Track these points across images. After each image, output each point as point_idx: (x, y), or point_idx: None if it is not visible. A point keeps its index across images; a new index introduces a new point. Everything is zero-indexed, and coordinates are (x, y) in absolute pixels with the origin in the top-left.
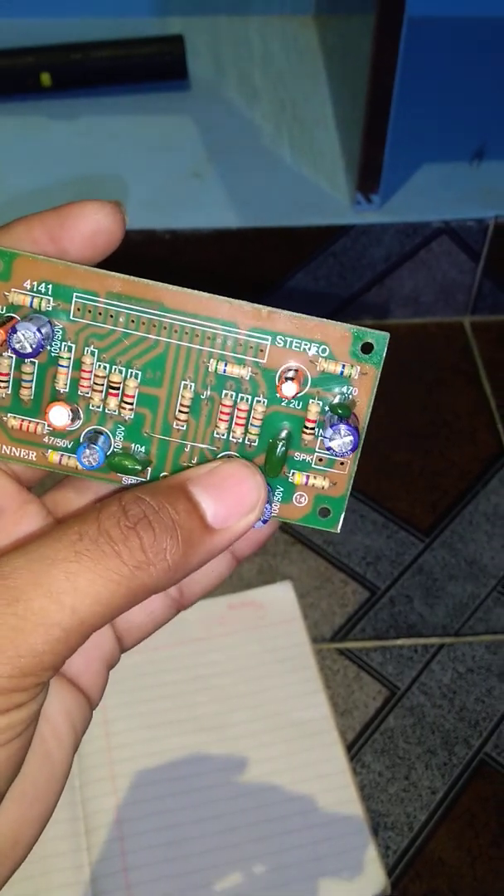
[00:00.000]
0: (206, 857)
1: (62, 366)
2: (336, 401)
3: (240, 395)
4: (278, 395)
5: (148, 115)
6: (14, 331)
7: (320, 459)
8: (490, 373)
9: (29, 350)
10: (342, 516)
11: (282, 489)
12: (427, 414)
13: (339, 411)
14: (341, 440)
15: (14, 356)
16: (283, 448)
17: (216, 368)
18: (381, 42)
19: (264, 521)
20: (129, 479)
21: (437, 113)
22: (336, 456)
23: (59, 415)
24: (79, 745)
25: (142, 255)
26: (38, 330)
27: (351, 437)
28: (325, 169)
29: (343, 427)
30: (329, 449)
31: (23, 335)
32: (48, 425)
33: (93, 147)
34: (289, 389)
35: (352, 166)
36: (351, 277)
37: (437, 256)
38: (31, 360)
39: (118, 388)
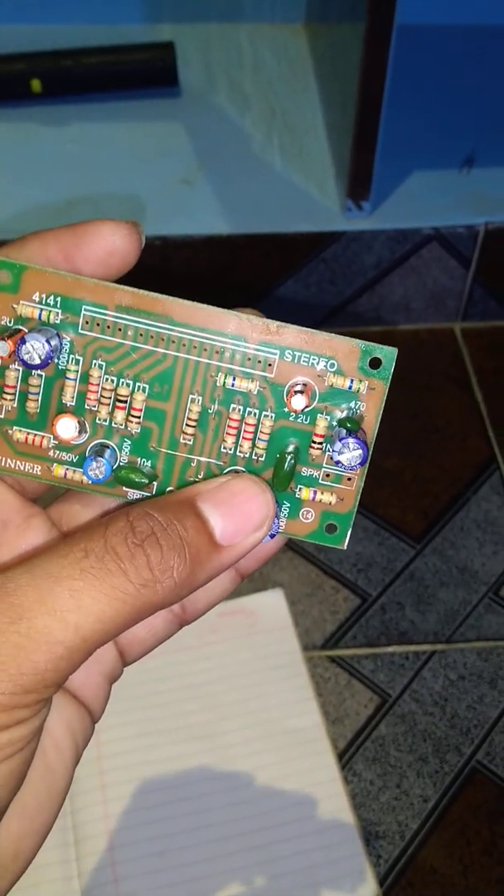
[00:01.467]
0: (198, 867)
1: (69, 378)
2: (344, 415)
3: (247, 409)
4: (287, 408)
5: (138, 122)
6: (23, 341)
7: (327, 475)
8: (481, 379)
9: (38, 361)
10: (349, 533)
11: (288, 505)
12: (418, 420)
13: (348, 425)
14: (350, 454)
15: (21, 369)
16: (292, 462)
17: (224, 382)
18: (371, 49)
19: (271, 537)
20: (134, 494)
21: (427, 120)
22: (345, 470)
23: (66, 427)
24: (79, 760)
25: None
26: (48, 341)
27: (360, 451)
28: (315, 176)
29: (352, 441)
30: (338, 463)
31: (32, 346)
32: (54, 438)
33: (83, 154)
34: (298, 402)
35: (342, 173)
36: (341, 284)
37: (428, 263)
38: (39, 372)
39: (125, 402)
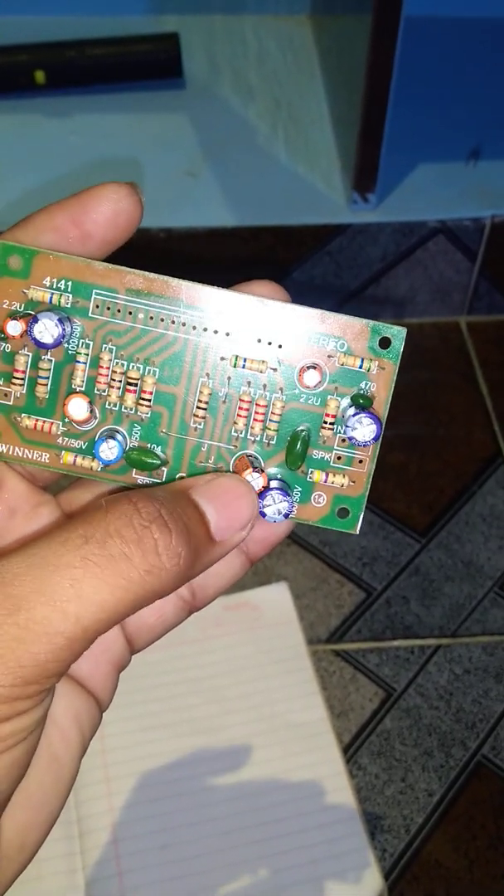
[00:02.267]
0: (202, 860)
1: (80, 362)
2: (358, 391)
3: (258, 391)
4: (300, 385)
5: (142, 114)
6: (36, 320)
7: (339, 458)
8: (486, 373)
9: (50, 340)
10: (361, 517)
11: (300, 489)
12: (423, 414)
13: (361, 401)
14: (364, 429)
15: (31, 354)
16: (306, 438)
17: (235, 364)
18: (378, 41)
19: (285, 517)
20: (144, 479)
21: (434, 112)
22: (358, 445)
23: (78, 407)
24: (86, 750)
25: (136, 253)
26: (60, 321)
27: (374, 426)
28: (320, 168)
29: (365, 416)
30: (351, 439)
31: (45, 324)
32: (67, 417)
33: (87, 145)
34: (311, 378)
35: (348, 165)
36: (347, 277)
37: (434, 256)
38: (48, 357)
39: (136, 385)
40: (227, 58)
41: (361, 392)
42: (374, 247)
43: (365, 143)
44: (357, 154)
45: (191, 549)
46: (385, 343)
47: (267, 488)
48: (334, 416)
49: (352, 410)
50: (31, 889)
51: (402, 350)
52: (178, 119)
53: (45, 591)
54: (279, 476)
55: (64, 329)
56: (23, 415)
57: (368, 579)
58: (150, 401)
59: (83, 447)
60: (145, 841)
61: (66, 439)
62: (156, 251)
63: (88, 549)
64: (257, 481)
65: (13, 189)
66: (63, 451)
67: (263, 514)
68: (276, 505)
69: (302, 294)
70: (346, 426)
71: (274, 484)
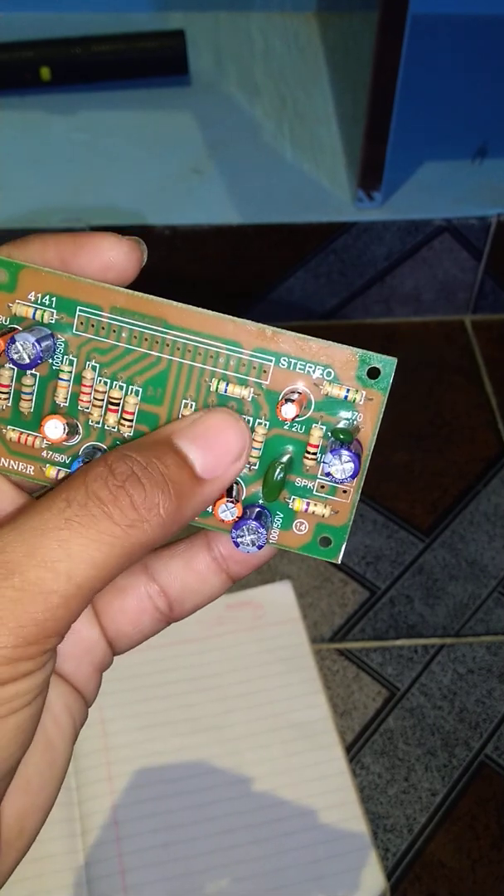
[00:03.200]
0: (204, 858)
1: (63, 379)
2: (339, 426)
3: (241, 416)
4: (278, 416)
5: (148, 111)
6: (13, 341)
7: (322, 486)
8: (491, 372)
9: (26, 361)
10: (344, 546)
11: (281, 515)
12: (427, 413)
13: (341, 436)
14: (341, 466)
15: (15, 368)
16: (282, 473)
17: (218, 388)
18: (385, 39)
19: (258, 548)
20: None
21: (440, 110)
22: (336, 483)
23: (53, 428)
24: (77, 737)
25: None
26: (38, 342)
27: (352, 464)
28: (326, 166)
29: (344, 453)
30: (328, 475)
31: (21, 345)
32: (45, 439)
33: (92, 142)
34: (288, 411)
35: (353, 163)
36: (352, 275)
37: (439, 254)
38: (32, 372)
39: (118, 404)
40: (232, 55)
41: (342, 427)
42: (379, 245)
43: (370, 140)
44: (362, 152)
45: (171, 496)
46: (374, 373)
47: (242, 518)
48: (317, 447)
49: (332, 444)
50: (33, 886)
51: (391, 380)
52: (184, 116)
53: (35, 554)
54: (260, 501)
55: (42, 349)
56: (8, 427)
57: (372, 578)
58: (132, 420)
59: (67, 461)
60: (147, 839)
61: (51, 453)
62: (161, 248)
63: (72, 512)
64: (231, 511)
65: (18, 186)
66: (47, 465)
67: (237, 545)
68: (249, 536)
69: (306, 293)
70: (324, 462)
71: (255, 511)
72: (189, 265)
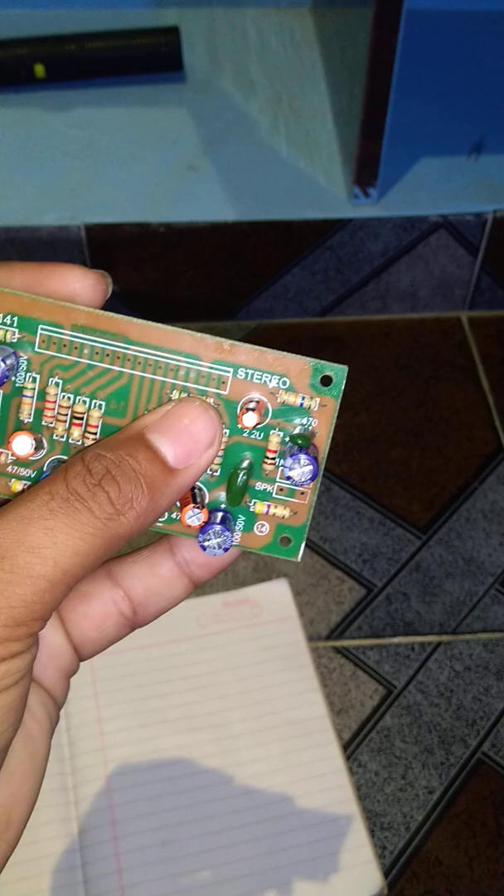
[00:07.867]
0: (201, 857)
1: (27, 396)
2: (296, 431)
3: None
4: (239, 425)
5: (143, 107)
6: None
7: (281, 489)
8: (487, 368)
9: None
10: (303, 545)
11: (243, 518)
12: (424, 410)
13: (299, 441)
14: (301, 469)
15: None
16: (244, 478)
17: (179, 398)
18: (380, 35)
19: (225, 550)
20: None
21: (436, 106)
22: (296, 485)
23: (22, 444)
24: (53, 733)
25: (137, 248)
26: (3, 360)
27: (310, 467)
28: (321, 162)
29: (303, 457)
30: (289, 478)
31: None
32: (11, 454)
33: (87, 139)
34: (249, 420)
35: (349, 160)
36: (348, 272)
37: (435, 251)
38: None
39: (82, 419)
40: (227, 51)
41: (299, 433)
42: (375, 241)
43: (366, 137)
44: (358, 148)
45: (144, 489)
46: (327, 381)
47: (208, 523)
48: (276, 452)
49: (291, 449)
50: (30, 886)
51: (343, 387)
52: (179, 113)
53: (24, 541)
54: (223, 506)
55: (8, 366)
56: None
57: (369, 576)
58: (96, 433)
59: (32, 476)
60: (144, 838)
61: (16, 468)
62: (156, 245)
63: (55, 504)
64: (198, 516)
65: (13, 183)
66: (13, 480)
67: (204, 548)
68: (215, 539)
69: (302, 290)
70: (284, 466)
71: (218, 515)
72: (185, 262)
